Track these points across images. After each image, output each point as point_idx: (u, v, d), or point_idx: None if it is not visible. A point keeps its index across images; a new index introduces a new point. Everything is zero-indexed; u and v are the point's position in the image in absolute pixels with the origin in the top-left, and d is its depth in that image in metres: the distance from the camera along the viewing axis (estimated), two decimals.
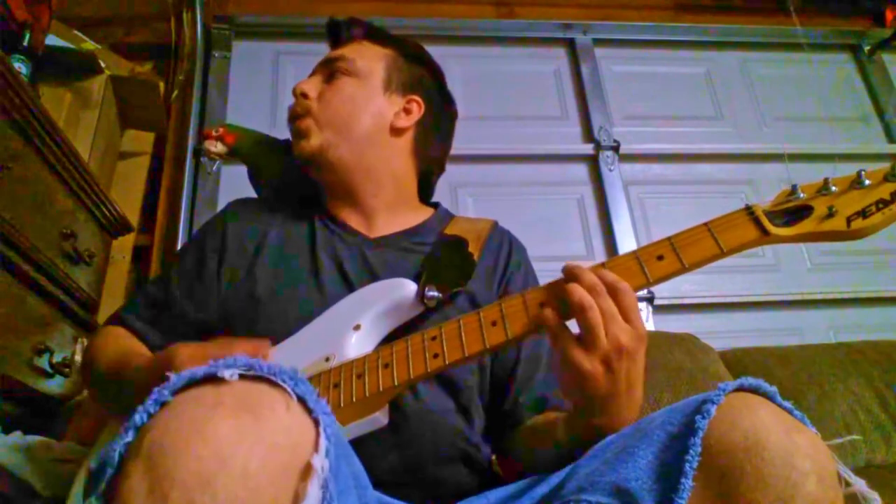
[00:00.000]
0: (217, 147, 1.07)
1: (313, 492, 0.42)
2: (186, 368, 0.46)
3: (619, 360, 0.61)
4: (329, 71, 0.99)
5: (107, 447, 0.43)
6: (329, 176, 0.96)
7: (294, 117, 0.97)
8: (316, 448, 0.43)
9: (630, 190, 2.20)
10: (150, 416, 0.43)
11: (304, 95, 0.97)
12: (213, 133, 1.07)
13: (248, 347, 0.65)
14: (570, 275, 0.65)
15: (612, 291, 0.62)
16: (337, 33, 1.05)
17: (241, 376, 0.45)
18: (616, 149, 2.21)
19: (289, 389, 0.45)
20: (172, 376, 0.45)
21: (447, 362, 0.68)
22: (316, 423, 0.45)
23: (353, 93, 0.96)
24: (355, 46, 1.01)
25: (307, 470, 0.42)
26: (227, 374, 0.44)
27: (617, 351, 0.61)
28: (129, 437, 0.43)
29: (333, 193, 0.98)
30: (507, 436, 0.85)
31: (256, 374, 0.45)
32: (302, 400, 0.45)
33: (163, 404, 0.43)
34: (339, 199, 0.97)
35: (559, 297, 0.65)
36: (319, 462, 0.43)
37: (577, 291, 0.62)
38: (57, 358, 1.22)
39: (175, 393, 0.44)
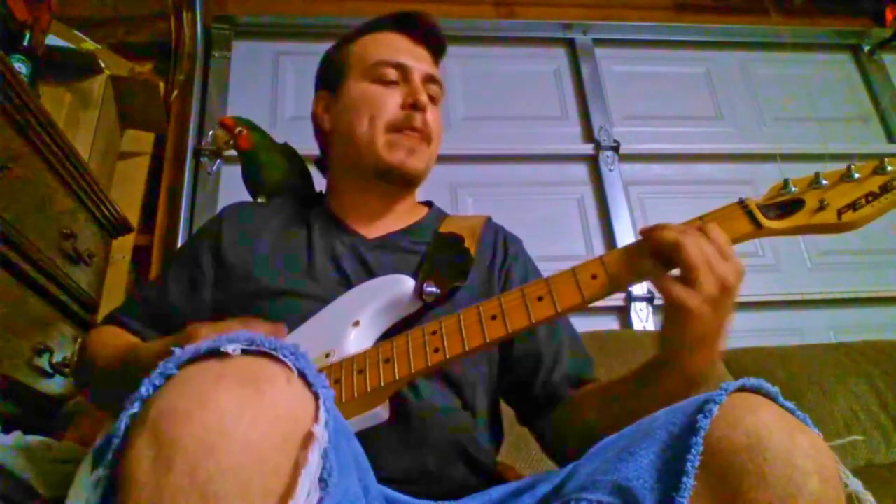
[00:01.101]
0: (228, 144, 1.06)
1: (314, 459, 0.43)
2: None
3: (723, 297, 0.62)
4: (428, 89, 0.95)
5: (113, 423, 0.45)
6: (397, 192, 0.96)
7: (414, 130, 0.92)
8: (316, 419, 0.45)
9: (630, 190, 2.20)
10: (155, 388, 0.45)
11: (425, 110, 0.93)
12: (235, 130, 1.06)
13: (267, 327, 0.67)
14: (651, 230, 0.66)
15: (704, 233, 0.64)
16: (433, 40, 1.00)
17: (244, 351, 0.46)
18: (616, 149, 2.21)
19: (289, 364, 0.46)
20: (177, 351, 0.47)
21: (448, 356, 0.68)
22: (315, 396, 0.46)
23: (440, 121, 0.98)
24: (437, 69, 1.00)
25: (307, 440, 0.44)
26: (230, 348, 0.46)
27: (723, 287, 0.62)
28: (135, 409, 0.44)
29: (345, 197, 0.98)
30: (546, 416, 0.86)
31: (258, 349, 0.47)
32: (302, 374, 0.46)
33: (168, 377, 0.45)
34: (346, 203, 0.97)
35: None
36: (319, 431, 0.44)
37: (671, 232, 0.64)
38: (57, 358, 1.22)
39: (180, 367, 0.46)
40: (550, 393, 0.86)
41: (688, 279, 0.62)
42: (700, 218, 0.69)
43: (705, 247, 0.62)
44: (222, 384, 0.43)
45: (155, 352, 0.69)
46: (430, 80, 0.96)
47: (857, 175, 0.66)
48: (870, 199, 0.64)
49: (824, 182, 0.67)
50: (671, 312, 0.64)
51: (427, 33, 0.99)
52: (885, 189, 0.64)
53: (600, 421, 0.78)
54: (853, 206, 0.64)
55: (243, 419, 0.42)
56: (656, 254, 0.65)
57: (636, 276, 0.68)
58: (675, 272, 0.64)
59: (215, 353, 0.46)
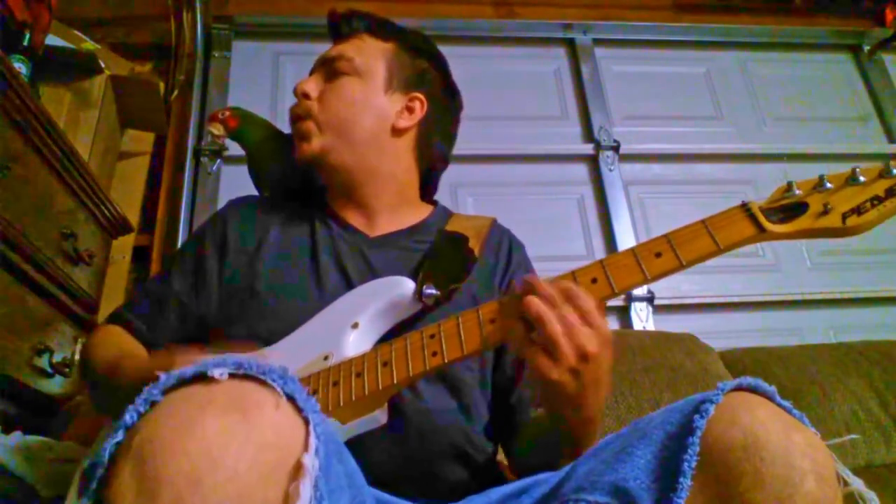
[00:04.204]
0: (219, 130, 1.05)
1: (304, 491, 0.42)
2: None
3: (584, 366, 0.62)
4: (329, 70, 0.97)
5: (98, 447, 0.43)
6: (331, 178, 0.97)
7: (296, 119, 0.96)
8: (306, 447, 0.43)
9: (630, 190, 2.20)
10: (139, 415, 0.43)
11: (306, 96, 0.95)
12: (220, 115, 1.05)
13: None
14: (526, 288, 0.65)
15: (569, 299, 0.63)
16: (338, 26, 1.02)
17: (231, 375, 0.45)
18: (616, 149, 2.21)
19: (278, 388, 0.45)
20: (162, 376, 0.45)
21: (446, 360, 0.68)
22: (306, 421, 0.45)
23: (353, 94, 0.94)
24: (356, 42, 0.99)
25: (297, 469, 0.42)
26: (216, 373, 0.44)
27: (582, 357, 0.61)
28: (119, 437, 0.43)
29: (335, 193, 0.98)
30: (516, 434, 0.86)
31: (246, 373, 0.45)
32: (291, 399, 0.45)
33: (152, 404, 0.44)
34: (341, 199, 0.97)
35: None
36: (309, 461, 0.43)
37: (535, 304, 0.63)
38: (57, 358, 1.22)
39: (165, 392, 0.44)
40: (519, 410, 0.85)
41: (548, 351, 0.62)
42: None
43: (568, 316, 0.62)
44: (208, 411, 0.42)
45: (136, 372, 0.68)
46: (328, 61, 0.97)
47: (862, 178, 0.65)
48: (875, 203, 0.63)
49: (829, 185, 0.66)
50: (537, 379, 0.64)
51: (335, 30, 1.02)
52: (890, 193, 0.63)
53: (528, 451, 0.80)
54: (858, 210, 0.63)
55: (230, 449, 0.40)
56: (524, 318, 0.64)
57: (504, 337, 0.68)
58: None
59: (201, 378, 0.44)
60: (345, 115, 0.94)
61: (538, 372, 0.63)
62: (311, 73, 1.00)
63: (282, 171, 1.05)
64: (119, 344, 0.84)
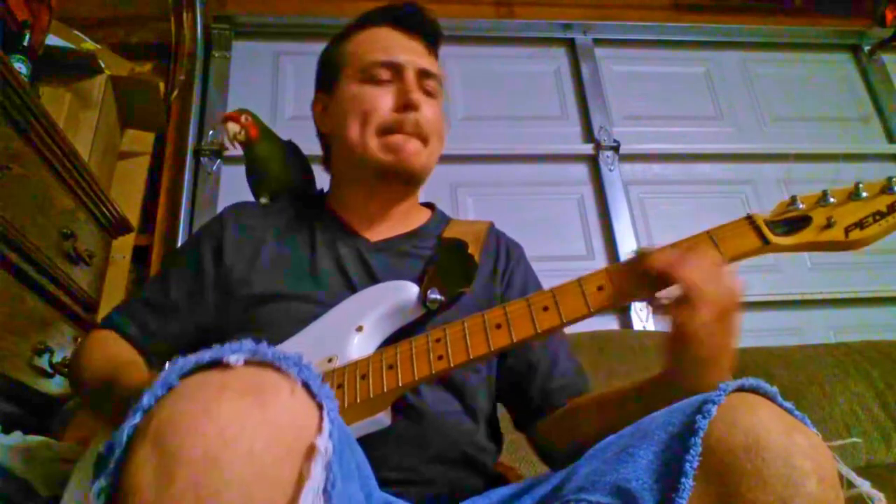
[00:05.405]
0: (240, 134, 1.04)
1: (317, 472, 0.43)
2: None
3: (722, 315, 0.62)
4: (424, 85, 0.93)
5: (116, 430, 0.44)
6: (397, 192, 0.95)
7: (409, 131, 0.90)
8: (320, 430, 0.44)
9: (630, 190, 2.20)
10: (157, 399, 0.44)
11: (418, 109, 0.90)
12: (242, 119, 1.04)
13: None
14: (643, 257, 0.66)
15: (694, 253, 0.64)
16: (432, 38, 0.98)
17: (247, 362, 0.46)
18: (616, 149, 2.21)
19: (293, 374, 0.46)
20: (179, 360, 0.46)
21: (452, 364, 0.68)
22: (319, 406, 0.46)
23: (440, 117, 0.95)
24: (432, 60, 0.97)
25: (311, 451, 0.43)
26: (232, 359, 0.45)
27: (720, 309, 0.62)
28: (137, 419, 0.43)
29: (358, 199, 0.96)
30: (541, 422, 0.86)
31: (262, 359, 0.46)
32: (306, 385, 0.46)
33: (170, 388, 0.44)
34: (350, 203, 0.97)
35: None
36: (323, 443, 0.44)
37: (661, 258, 0.64)
38: (57, 358, 1.22)
39: (181, 377, 0.45)
40: (547, 399, 0.85)
41: (686, 301, 0.62)
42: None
43: (699, 263, 0.63)
44: (225, 395, 0.42)
45: (136, 383, 0.67)
46: (424, 75, 0.93)
47: (864, 194, 0.67)
48: (877, 217, 0.65)
49: (832, 199, 0.67)
50: (673, 336, 0.64)
51: (421, 25, 0.96)
52: (892, 208, 0.65)
53: (597, 430, 0.78)
54: (860, 224, 0.65)
55: (246, 431, 0.41)
56: (648, 279, 0.65)
57: (641, 294, 0.68)
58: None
59: (218, 364, 0.45)
60: (437, 137, 0.94)
61: (678, 324, 0.62)
62: (398, 76, 0.92)
63: (293, 182, 1.07)
64: (113, 354, 0.83)
